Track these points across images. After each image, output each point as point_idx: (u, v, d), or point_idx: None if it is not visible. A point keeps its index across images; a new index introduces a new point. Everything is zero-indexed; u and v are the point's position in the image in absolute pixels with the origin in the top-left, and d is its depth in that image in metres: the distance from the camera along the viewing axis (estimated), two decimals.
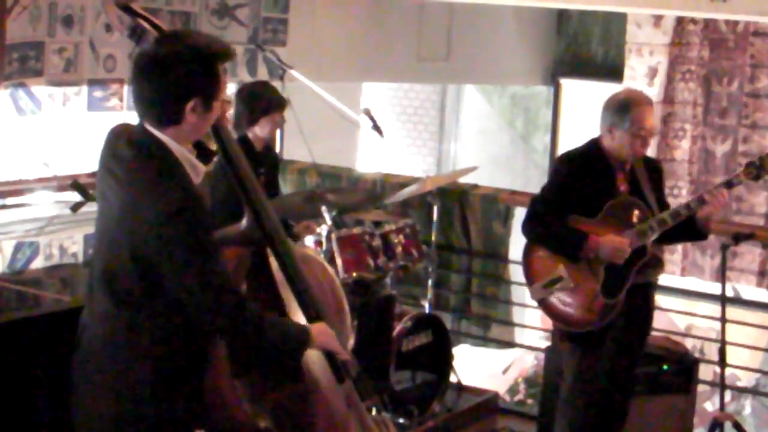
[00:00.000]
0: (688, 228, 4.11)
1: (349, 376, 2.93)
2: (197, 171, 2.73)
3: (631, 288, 4.08)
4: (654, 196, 4.15)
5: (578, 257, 4.05)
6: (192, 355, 2.78)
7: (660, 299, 6.47)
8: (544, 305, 4.18)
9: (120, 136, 2.73)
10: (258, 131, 4.86)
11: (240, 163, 2.89)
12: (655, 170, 4.26)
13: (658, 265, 4.16)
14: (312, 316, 2.89)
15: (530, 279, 4.21)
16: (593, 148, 4.16)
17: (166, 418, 2.75)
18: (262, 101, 4.82)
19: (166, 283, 2.64)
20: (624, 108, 4.06)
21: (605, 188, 4.10)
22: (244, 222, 2.92)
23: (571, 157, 4.25)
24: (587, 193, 4.08)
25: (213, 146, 2.84)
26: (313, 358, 2.94)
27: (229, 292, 2.68)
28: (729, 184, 4.10)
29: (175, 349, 2.74)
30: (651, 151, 8.60)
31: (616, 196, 4.11)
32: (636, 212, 4.09)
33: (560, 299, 4.13)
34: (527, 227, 4.18)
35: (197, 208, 2.63)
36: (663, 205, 4.20)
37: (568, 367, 4.24)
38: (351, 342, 3.08)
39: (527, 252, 4.22)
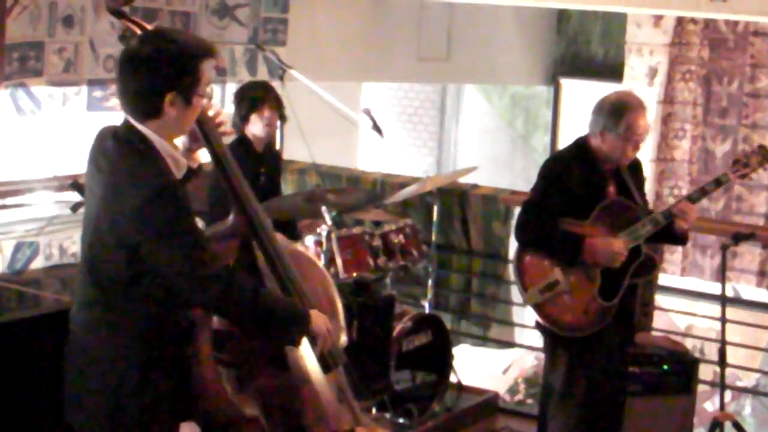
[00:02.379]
0: (668, 233, 4.11)
1: (335, 365, 2.94)
2: (179, 165, 2.78)
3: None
4: (639, 194, 4.15)
5: (576, 261, 4.03)
6: (177, 342, 2.80)
7: (660, 299, 6.47)
8: (540, 310, 4.13)
9: (107, 133, 2.81)
10: (253, 129, 4.88)
11: (225, 157, 2.92)
12: (636, 168, 4.25)
13: (652, 265, 4.15)
14: None
15: (524, 284, 4.16)
16: (581, 149, 4.13)
17: (152, 404, 2.77)
18: (247, 98, 4.87)
19: (155, 266, 2.68)
20: (618, 112, 4.02)
21: (595, 190, 4.08)
22: (230, 217, 2.96)
23: (560, 159, 4.23)
24: (577, 194, 4.06)
25: (194, 164, 2.87)
26: (302, 350, 2.95)
27: (220, 266, 2.73)
28: (718, 183, 4.10)
29: (161, 337, 2.77)
30: (651, 151, 8.66)
31: (605, 197, 4.09)
32: (628, 211, 4.08)
33: (556, 303, 4.09)
34: (521, 232, 4.15)
35: (177, 192, 2.68)
36: (644, 202, 4.22)
37: (559, 370, 4.23)
38: (343, 339, 3.08)
39: (520, 257, 4.18)
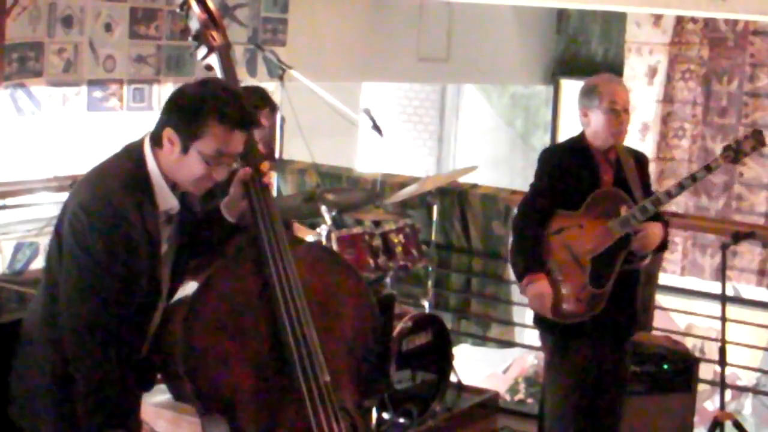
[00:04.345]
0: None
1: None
2: (167, 201, 2.71)
3: (617, 277, 4.10)
4: (639, 186, 4.16)
5: (518, 279, 4.13)
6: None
7: (660, 299, 6.47)
8: None
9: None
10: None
11: (264, 219, 2.80)
12: (640, 161, 4.26)
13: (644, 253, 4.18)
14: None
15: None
16: (577, 140, 4.17)
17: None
18: None
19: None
20: (592, 88, 4.08)
21: (589, 178, 4.10)
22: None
23: (554, 149, 4.30)
24: (571, 184, 4.09)
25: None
26: None
27: (99, 345, 2.57)
28: (708, 169, 4.12)
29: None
30: (651, 150, 8.66)
31: (600, 186, 4.12)
32: (619, 201, 4.10)
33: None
34: (515, 227, 4.21)
35: (124, 230, 2.59)
36: (649, 195, 4.23)
37: (550, 364, 4.28)
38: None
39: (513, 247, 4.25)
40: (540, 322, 4.26)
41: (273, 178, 2.93)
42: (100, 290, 2.58)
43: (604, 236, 4.07)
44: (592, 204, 4.09)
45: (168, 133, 2.64)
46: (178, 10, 2.86)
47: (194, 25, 2.85)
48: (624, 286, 4.13)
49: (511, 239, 4.29)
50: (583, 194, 4.09)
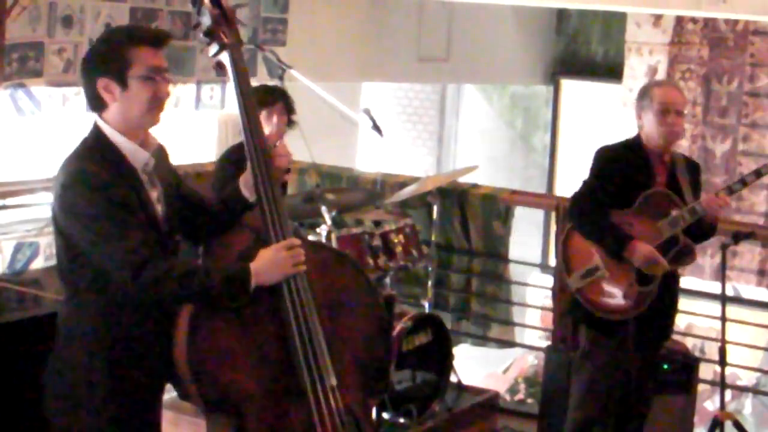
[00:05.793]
0: (699, 226, 4.19)
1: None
2: (137, 157, 2.75)
3: (662, 279, 4.16)
4: (691, 190, 4.22)
5: (619, 257, 4.12)
6: (145, 334, 2.75)
7: None
8: (582, 294, 4.24)
9: None
10: None
11: (269, 198, 2.86)
12: (693, 168, 4.35)
13: (690, 253, 4.22)
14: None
15: (568, 267, 4.28)
16: (633, 141, 4.25)
17: (121, 390, 2.74)
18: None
19: (91, 257, 2.68)
20: (646, 90, 4.20)
21: (643, 178, 4.18)
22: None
23: (610, 148, 4.32)
24: (625, 182, 4.17)
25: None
26: None
27: (144, 263, 2.62)
28: (758, 174, 4.17)
29: (123, 328, 2.73)
30: None
31: (652, 186, 4.19)
32: (669, 203, 4.15)
33: (596, 288, 4.20)
34: (575, 219, 4.24)
35: (99, 181, 2.64)
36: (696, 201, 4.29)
37: (585, 355, 4.30)
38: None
39: (565, 241, 4.32)
40: (580, 316, 4.30)
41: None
42: (120, 228, 2.63)
43: (653, 236, 4.14)
44: (643, 203, 4.18)
45: (102, 83, 2.69)
46: (190, 5, 2.88)
47: (206, 21, 2.85)
48: (667, 288, 4.18)
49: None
50: (636, 194, 4.17)
